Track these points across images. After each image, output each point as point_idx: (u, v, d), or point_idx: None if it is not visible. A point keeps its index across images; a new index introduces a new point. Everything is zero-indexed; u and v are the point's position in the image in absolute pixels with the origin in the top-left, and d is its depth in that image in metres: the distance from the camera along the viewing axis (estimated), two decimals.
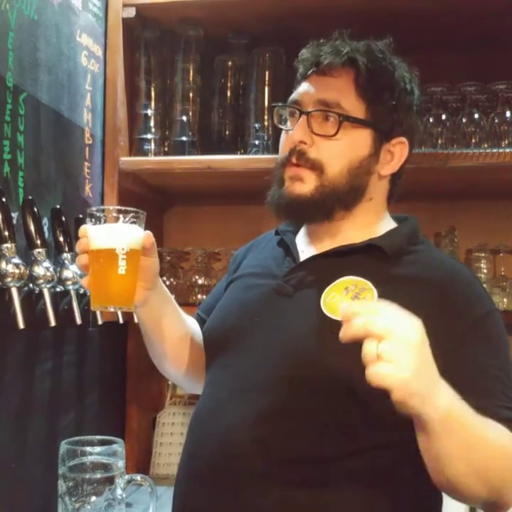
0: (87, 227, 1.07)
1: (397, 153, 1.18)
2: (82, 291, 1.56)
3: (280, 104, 1.23)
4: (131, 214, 1.07)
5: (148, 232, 1.10)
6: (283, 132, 1.22)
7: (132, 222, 1.07)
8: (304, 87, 1.18)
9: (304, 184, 1.14)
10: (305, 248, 1.22)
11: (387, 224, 1.21)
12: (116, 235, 1.05)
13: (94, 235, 1.06)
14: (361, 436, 1.03)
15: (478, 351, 1.04)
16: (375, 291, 1.08)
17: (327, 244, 1.18)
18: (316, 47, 1.19)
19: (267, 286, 1.18)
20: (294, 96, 1.20)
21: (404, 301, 1.06)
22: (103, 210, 1.08)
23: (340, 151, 1.13)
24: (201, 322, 1.33)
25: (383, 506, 1.03)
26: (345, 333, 0.86)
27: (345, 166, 1.13)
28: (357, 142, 1.14)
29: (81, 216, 1.58)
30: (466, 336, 1.04)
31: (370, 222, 1.19)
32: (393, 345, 0.83)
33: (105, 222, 1.07)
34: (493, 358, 1.05)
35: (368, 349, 0.84)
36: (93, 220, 1.06)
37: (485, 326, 1.07)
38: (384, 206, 1.23)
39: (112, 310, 1.14)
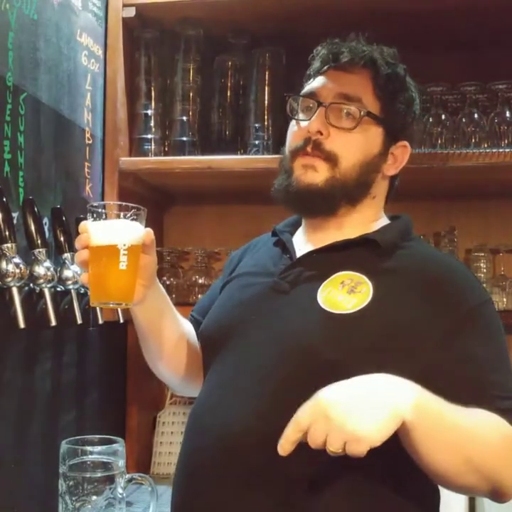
0: (87, 223, 1.06)
1: (400, 156, 1.21)
2: (82, 290, 1.57)
3: (295, 95, 1.23)
4: (133, 210, 1.06)
5: (148, 229, 1.09)
6: (293, 123, 1.22)
7: (133, 219, 1.06)
8: (320, 81, 1.20)
9: (317, 173, 1.15)
10: (302, 246, 1.23)
11: (382, 222, 1.23)
12: (117, 231, 1.05)
13: (95, 231, 1.05)
14: None
15: (473, 341, 1.05)
16: (370, 285, 1.09)
17: (324, 241, 1.19)
18: (334, 45, 1.21)
19: (264, 284, 1.19)
20: (309, 89, 1.21)
21: (399, 294, 1.08)
22: (104, 206, 1.07)
23: (356, 145, 1.16)
24: (196, 324, 1.33)
25: (382, 504, 1.04)
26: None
27: (359, 160, 1.16)
28: (371, 138, 1.17)
29: (81, 216, 1.58)
30: (460, 327, 1.05)
31: (369, 220, 1.21)
32: (322, 423, 0.87)
33: (106, 218, 1.06)
34: (487, 347, 1.05)
35: (311, 440, 0.88)
36: (94, 215, 1.05)
37: (479, 316, 1.08)
38: (382, 206, 1.25)
39: (111, 306, 1.14)
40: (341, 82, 1.18)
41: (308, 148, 1.15)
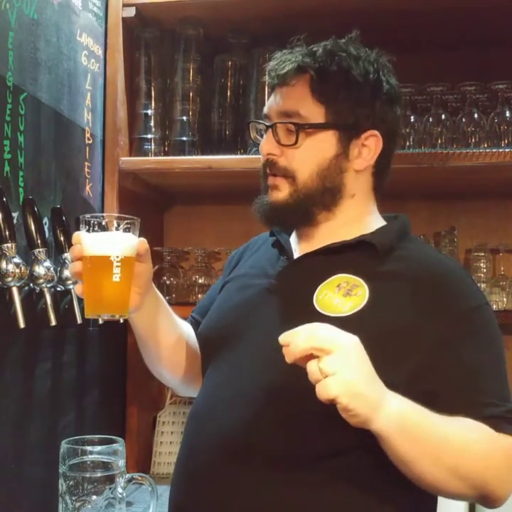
0: (81, 234, 1.06)
1: (371, 145, 1.18)
2: None
3: (253, 120, 1.28)
4: (126, 221, 1.07)
5: (142, 238, 1.09)
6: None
7: (126, 229, 1.07)
8: (270, 100, 1.21)
9: (280, 191, 1.17)
10: (298, 247, 1.23)
11: (376, 220, 1.22)
12: (110, 243, 1.05)
13: (89, 243, 1.05)
14: (362, 433, 1.03)
15: (467, 346, 1.05)
16: (366, 288, 1.09)
17: (318, 243, 1.19)
18: (279, 57, 1.20)
19: (261, 286, 1.19)
20: (264, 110, 1.22)
21: (395, 297, 1.08)
22: (97, 217, 1.07)
23: (306, 157, 1.15)
24: (196, 324, 1.33)
25: (378, 504, 1.04)
26: (288, 354, 0.90)
27: (314, 170, 1.15)
28: (320, 146, 1.15)
29: (81, 216, 1.59)
30: (455, 330, 1.05)
31: (358, 218, 1.20)
32: (334, 358, 0.88)
33: (99, 229, 1.06)
34: (482, 352, 1.05)
35: (311, 368, 0.88)
36: (87, 226, 1.06)
37: (474, 319, 1.08)
38: (370, 200, 1.22)
39: (106, 318, 1.14)
40: (283, 98, 1.18)
41: (268, 170, 1.18)
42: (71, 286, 1.50)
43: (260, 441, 1.05)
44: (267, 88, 1.86)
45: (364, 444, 1.03)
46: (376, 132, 1.18)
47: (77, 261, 1.06)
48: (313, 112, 1.15)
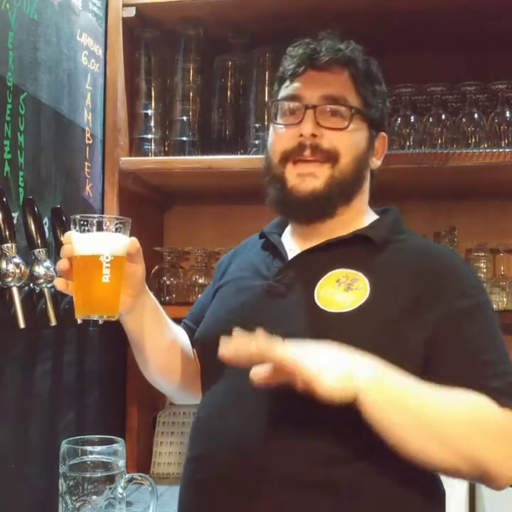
0: (71, 234, 1.06)
1: (381, 147, 1.24)
2: None
3: (279, 99, 1.22)
4: (116, 221, 1.07)
5: (133, 238, 1.08)
6: (277, 127, 1.20)
7: (117, 229, 1.06)
8: (301, 83, 1.18)
9: (317, 178, 1.15)
10: (292, 246, 1.22)
11: (370, 216, 1.24)
12: (100, 243, 1.05)
13: (79, 242, 1.05)
14: (371, 434, 1.03)
15: (469, 322, 1.07)
16: (366, 281, 1.10)
17: (315, 241, 1.19)
18: (308, 44, 1.20)
19: (258, 288, 1.18)
20: (290, 92, 1.19)
21: (395, 286, 1.10)
22: (88, 217, 1.07)
23: (351, 141, 1.17)
24: (189, 331, 1.32)
25: (396, 504, 1.04)
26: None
27: (355, 155, 1.17)
28: (361, 134, 1.19)
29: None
30: (461, 314, 1.07)
31: (359, 214, 1.22)
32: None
33: (90, 229, 1.06)
34: (481, 329, 1.08)
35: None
36: (78, 227, 1.05)
37: (473, 298, 1.10)
38: (367, 199, 1.26)
39: (95, 319, 1.13)
40: (324, 83, 1.17)
41: (307, 153, 1.14)
42: None
43: (273, 447, 1.03)
44: (266, 88, 1.86)
45: (376, 449, 1.03)
46: (385, 135, 1.25)
47: (64, 259, 1.06)
48: (356, 102, 1.18)
